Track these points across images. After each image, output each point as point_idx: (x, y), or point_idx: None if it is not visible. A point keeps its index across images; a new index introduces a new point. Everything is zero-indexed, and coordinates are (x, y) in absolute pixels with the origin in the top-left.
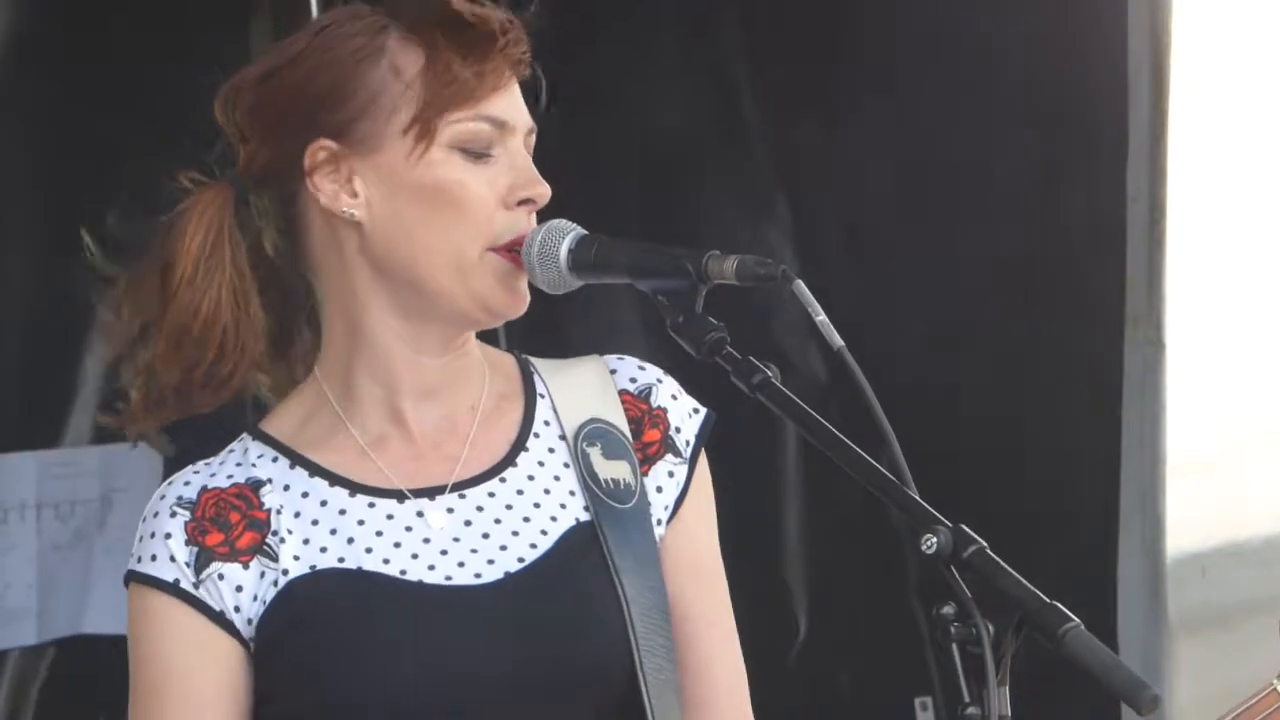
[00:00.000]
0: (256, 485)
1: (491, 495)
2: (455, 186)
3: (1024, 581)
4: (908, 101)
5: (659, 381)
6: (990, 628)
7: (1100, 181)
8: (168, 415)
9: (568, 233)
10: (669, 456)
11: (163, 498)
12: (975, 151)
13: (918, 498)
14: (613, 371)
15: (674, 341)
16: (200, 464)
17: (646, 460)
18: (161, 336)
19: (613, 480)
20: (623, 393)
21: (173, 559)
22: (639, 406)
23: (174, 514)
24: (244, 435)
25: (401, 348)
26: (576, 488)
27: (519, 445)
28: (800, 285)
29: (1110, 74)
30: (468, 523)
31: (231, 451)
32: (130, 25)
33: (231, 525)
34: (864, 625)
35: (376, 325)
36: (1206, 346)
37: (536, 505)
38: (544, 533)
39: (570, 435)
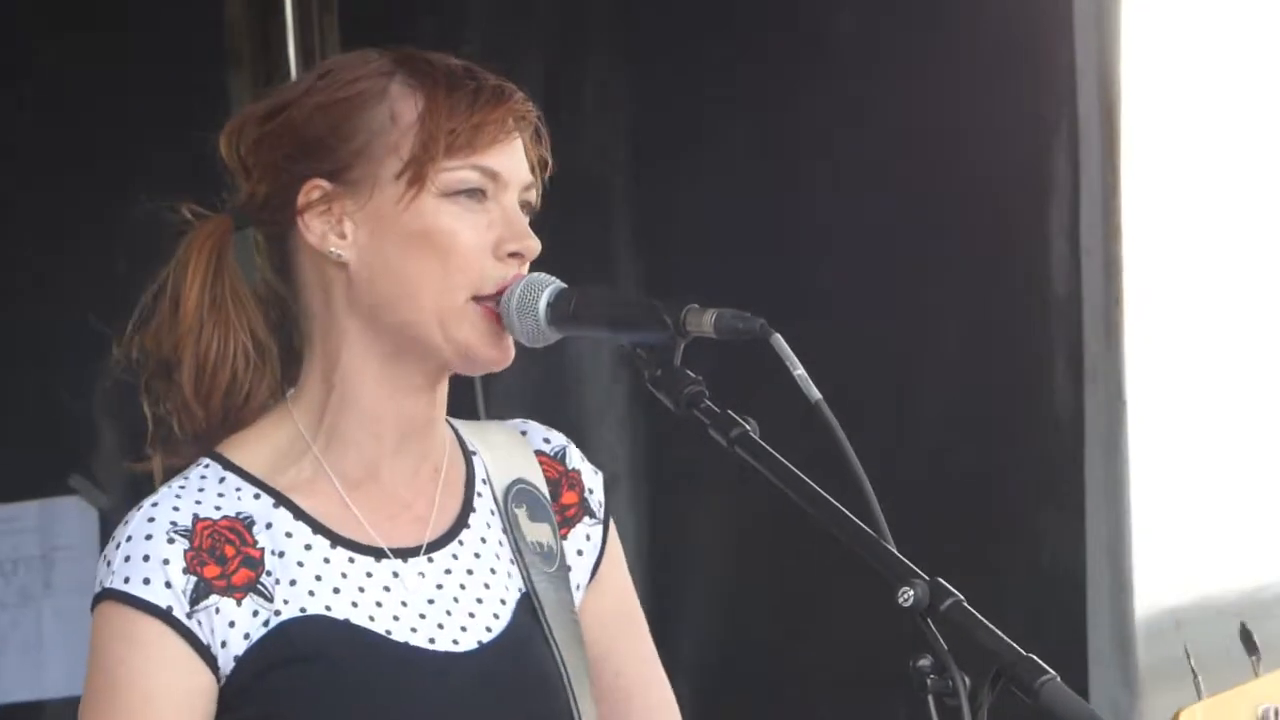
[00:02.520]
0: (249, 523)
1: (455, 557)
2: (443, 234)
3: (1000, 634)
4: (855, 157)
5: (568, 444)
6: (967, 680)
7: (1054, 236)
8: (195, 452)
9: (547, 286)
10: (586, 519)
11: (152, 520)
12: (927, 208)
13: (895, 551)
14: (523, 433)
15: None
16: (174, 487)
17: (565, 523)
18: (184, 374)
19: (539, 543)
20: (538, 454)
21: (168, 585)
22: (556, 468)
23: (171, 540)
24: (207, 461)
25: (387, 390)
26: (512, 554)
27: (467, 505)
28: (779, 339)
29: (1061, 127)
30: (439, 586)
31: (204, 478)
32: (106, 76)
33: (227, 559)
34: (840, 674)
35: (357, 368)
36: (1168, 400)
37: (492, 571)
38: (502, 602)
39: (500, 496)
